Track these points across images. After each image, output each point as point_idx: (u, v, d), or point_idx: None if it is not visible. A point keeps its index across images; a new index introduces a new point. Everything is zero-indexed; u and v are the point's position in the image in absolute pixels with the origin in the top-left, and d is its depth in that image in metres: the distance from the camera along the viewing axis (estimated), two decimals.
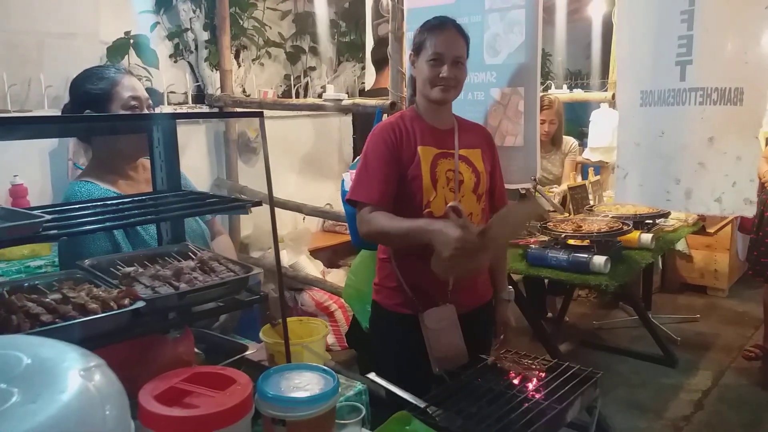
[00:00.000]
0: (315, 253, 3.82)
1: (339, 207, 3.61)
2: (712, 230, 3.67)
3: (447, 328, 1.69)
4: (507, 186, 2.03)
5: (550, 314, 3.99)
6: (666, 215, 3.00)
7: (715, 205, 1.66)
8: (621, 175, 1.84)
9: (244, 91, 3.93)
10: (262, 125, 1.24)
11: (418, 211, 1.67)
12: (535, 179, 2.08)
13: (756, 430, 2.82)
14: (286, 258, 3.44)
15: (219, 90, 3.63)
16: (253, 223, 3.80)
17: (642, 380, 3.29)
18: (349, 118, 4.35)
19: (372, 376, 1.46)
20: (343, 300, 3.31)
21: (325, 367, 1.11)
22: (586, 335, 3.91)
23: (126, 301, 1.05)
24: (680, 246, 4.53)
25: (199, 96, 3.68)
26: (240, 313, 1.61)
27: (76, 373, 0.44)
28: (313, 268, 3.58)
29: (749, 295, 4.56)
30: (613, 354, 3.60)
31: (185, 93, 3.62)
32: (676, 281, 4.83)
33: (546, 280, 3.37)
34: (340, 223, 4.24)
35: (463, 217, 1.48)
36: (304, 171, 4.21)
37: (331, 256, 4.06)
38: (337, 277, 3.58)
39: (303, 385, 1.04)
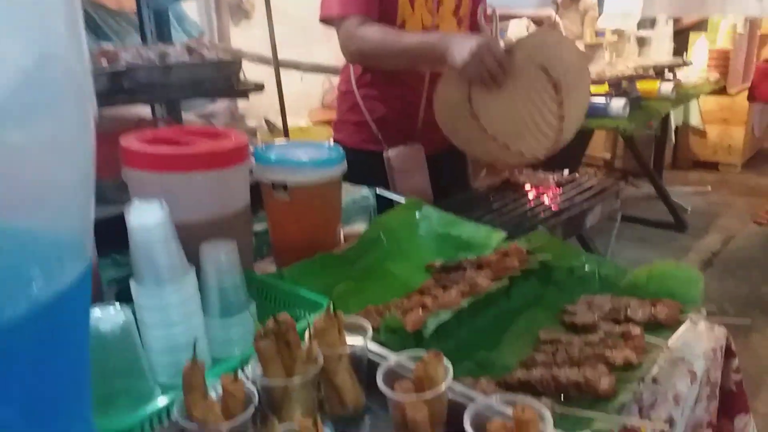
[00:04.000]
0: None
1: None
2: (732, 92, 3.48)
3: (413, 169, 1.50)
4: (520, 11, 1.85)
5: None
6: (687, 64, 2.84)
7: (756, 5, 1.50)
8: None
9: None
10: None
11: None
12: (556, 3, 1.89)
13: (765, 285, 2.81)
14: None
15: None
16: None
17: (652, 243, 3.26)
18: None
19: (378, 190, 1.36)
20: None
21: (330, 144, 1.01)
22: None
23: (104, 62, 0.93)
24: (694, 121, 4.38)
25: None
26: None
27: None
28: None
29: (763, 170, 4.46)
30: (622, 221, 3.54)
31: None
32: (687, 159, 4.72)
33: None
34: None
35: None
36: (299, 38, 3.98)
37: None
38: None
39: (307, 154, 0.94)
